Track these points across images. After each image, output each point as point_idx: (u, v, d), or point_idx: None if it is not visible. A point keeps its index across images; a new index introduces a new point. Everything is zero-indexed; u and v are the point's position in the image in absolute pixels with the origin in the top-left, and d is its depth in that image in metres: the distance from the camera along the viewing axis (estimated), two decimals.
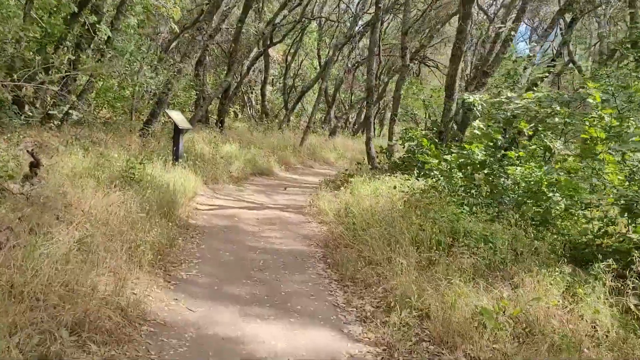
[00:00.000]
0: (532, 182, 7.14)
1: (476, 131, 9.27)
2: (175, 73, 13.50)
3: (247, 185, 11.81)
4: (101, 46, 11.83)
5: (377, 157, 12.43)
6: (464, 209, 6.47)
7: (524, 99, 8.76)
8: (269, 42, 20.11)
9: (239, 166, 12.57)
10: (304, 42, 31.69)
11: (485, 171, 7.24)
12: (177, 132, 10.41)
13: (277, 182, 12.95)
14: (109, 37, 11.87)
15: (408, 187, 8.38)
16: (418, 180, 9.02)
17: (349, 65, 29.28)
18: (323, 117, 31.75)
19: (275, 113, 31.20)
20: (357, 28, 24.63)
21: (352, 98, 33.55)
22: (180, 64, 13.67)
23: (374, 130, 40.42)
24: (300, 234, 7.71)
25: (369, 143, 12.27)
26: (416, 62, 27.73)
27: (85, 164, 7.78)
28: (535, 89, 9.81)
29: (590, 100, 7.84)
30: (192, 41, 14.15)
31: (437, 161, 7.96)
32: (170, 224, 6.88)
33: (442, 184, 7.82)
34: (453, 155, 8.21)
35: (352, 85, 32.89)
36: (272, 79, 34.29)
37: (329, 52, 31.76)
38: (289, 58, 29.69)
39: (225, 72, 19.51)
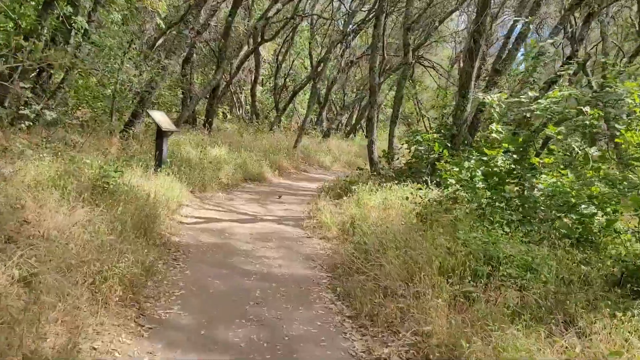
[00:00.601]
0: (567, 194, 6.20)
1: (494, 135, 8.34)
2: (159, 70, 12.43)
3: (238, 193, 10.76)
4: (76, 39, 10.72)
5: (380, 162, 11.45)
6: (497, 227, 5.50)
7: (549, 98, 7.83)
8: (260, 39, 19.06)
9: (228, 172, 11.51)
10: (295, 41, 30.75)
11: (515, 182, 6.29)
12: (160, 135, 9.34)
13: (271, 189, 11.91)
14: (85, 30, 10.78)
15: (421, 197, 7.40)
16: (431, 189, 8.05)
17: (342, 65, 28.29)
18: (315, 119, 30.73)
19: (265, 114, 30.17)
20: (350, 27, 23.72)
21: (345, 99, 32.63)
22: (165, 61, 12.60)
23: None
24: (301, 254, 6.68)
25: (372, 147, 11.28)
26: (412, 61, 26.84)
27: (53, 172, 6.70)
28: (556, 87, 8.89)
29: (629, 100, 6.96)
30: (178, 36, 13.08)
31: (457, 169, 7.00)
32: (149, 243, 5.84)
33: (465, 195, 6.84)
34: (473, 162, 7.25)
35: (344, 85, 31.96)
36: (262, 79, 33.26)
37: (321, 51, 30.90)
38: (280, 57, 28.68)
39: (214, 70, 18.43)
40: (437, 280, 4.62)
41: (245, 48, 22.37)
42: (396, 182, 9.10)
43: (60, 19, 10.28)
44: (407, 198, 7.47)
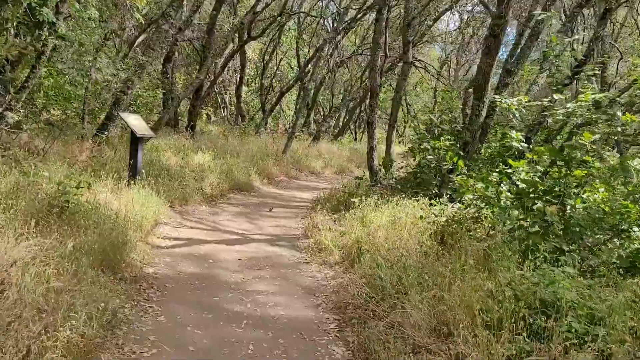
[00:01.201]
0: (618, 215, 5.25)
1: (514, 143, 7.37)
2: (136, 69, 11.28)
3: (223, 206, 9.67)
4: (41, 32, 9.54)
5: (380, 170, 10.43)
6: (542, 260, 4.50)
7: (580, 101, 6.88)
8: (246, 37, 17.95)
9: (213, 181, 10.41)
10: (282, 40, 29.73)
11: (555, 201, 5.31)
12: (135, 141, 8.21)
13: (260, 199, 10.83)
14: (52, 22, 9.61)
15: (436, 215, 6.40)
16: (445, 205, 7.04)
17: (332, 65, 27.30)
18: (302, 121, 29.70)
19: (251, 115, 29.09)
20: (342, 25, 22.71)
21: (334, 100, 31.66)
22: (143, 58, 11.46)
23: (356, 136, 38.55)
24: (301, 286, 5.62)
25: (372, 154, 10.25)
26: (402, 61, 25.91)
27: (2, 186, 5.57)
28: (583, 89, 7.96)
29: None
30: (158, 31, 11.94)
31: (483, 185, 5.99)
32: (116, 280, 4.75)
33: (489, 214, 5.85)
34: (497, 175, 6.25)
35: (332, 87, 30.99)
36: (248, 79, 32.16)
37: (309, 51, 29.87)
38: (267, 57, 27.61)
39: (197, 70, 17.27)
40: (482, 336, 3.61)
41: (231, 46, 21.26)
42: (402, 195, 8.09)
43: (25, 10, 9.13)
44: (421, 217, 6.46)
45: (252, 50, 32.32)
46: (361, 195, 8.31)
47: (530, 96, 9.09)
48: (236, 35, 20.08)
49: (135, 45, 21.94)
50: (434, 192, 8.15)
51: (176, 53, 18.31)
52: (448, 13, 24.81)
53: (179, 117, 18.11)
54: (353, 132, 37.99)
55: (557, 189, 5.29)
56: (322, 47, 25.06)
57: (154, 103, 16.28)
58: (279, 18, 21.03)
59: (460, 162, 7.41)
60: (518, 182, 6.00)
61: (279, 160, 14.52)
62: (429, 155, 8.73)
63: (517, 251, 4.80)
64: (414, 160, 10.35)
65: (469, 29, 25.48)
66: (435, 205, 7.04)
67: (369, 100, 11.50)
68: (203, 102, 19.01)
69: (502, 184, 6.37)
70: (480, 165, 7.84)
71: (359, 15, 22.33)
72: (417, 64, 27.82)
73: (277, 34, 25.94)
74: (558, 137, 11.46)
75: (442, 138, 8.60)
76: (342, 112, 29.68)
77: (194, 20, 18.00)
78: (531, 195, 5.33)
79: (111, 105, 11.24)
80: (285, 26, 28.29)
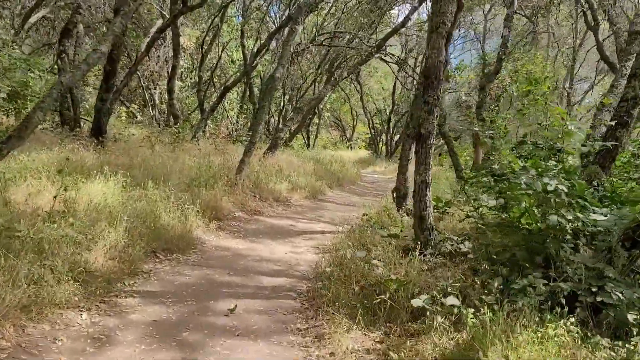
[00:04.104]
0: None
1: None
2: None
3: (128, 302, 4.67)
4: None
5: (431, 216, 5.74)
6: None
7: None
8: (182, 5, 12.79)
9: (116, 239, 5.41)
10: (222, 29, 24.75)
11: None
12: None
13: (205, 273, 5.85)
14: None
15: None
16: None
17: (292, 53, 22.49)
18: (249, 124, 24.75)
19: (186, 116, 23.80)
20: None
21: (285, 99, 26.90)
22: None
23: (309, 140, 33.75)
24: None
25: (424, 193, 5.44)
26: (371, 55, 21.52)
27: None
28: None
29: None
30: None
31: None
32: None
33: None
34: None
35: (284, 84, 26.09)
36: (182, 73, 26.79)
37: (258, 39, 24.91)
38: (205, 47, 22.54)
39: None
40: None
41: (160, 23, 16.02)
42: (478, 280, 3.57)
43: None
44: None
45: (188, 38, 26.99)
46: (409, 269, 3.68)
47: None
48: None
49: (28, 20, 16.51)
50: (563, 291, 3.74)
51: (79, 25, 12.90)
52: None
53: (79, 116, 12.69)
54: (305, 137, 33.30)
55: None
56: (277, 31, 20.33)
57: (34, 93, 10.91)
58: None
59: None
60: None
61: (231, 183, 9.56)
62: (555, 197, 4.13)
63: None
64: (470, 196, 5.82)
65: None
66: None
67: (420, 91, 6.87)
68: (119, 95, 13.66)
69: None
70: None
71: None
72: (387, 58, 23.67)
73: (219, 15, 20.93)
74: None
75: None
76: (298, 114, 24.88)
77: None
78: None
79: None
80: (229, 11, 23.40)
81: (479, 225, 5.35)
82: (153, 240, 6.02)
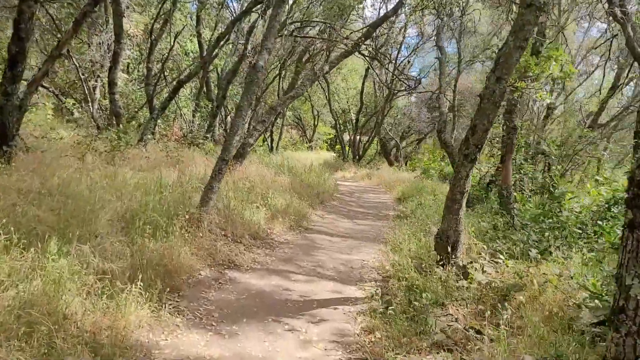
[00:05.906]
0: None
1: None
2: None
3: None
4: None
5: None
6: None
7: None
8: None
9: None
10: (174, 17, 21.46)
11: None
12: None
13: None
14: None
15: None
16: None
17: (249, 48, 19.51)
18: (205, 126, 21.60)
19: (132, 114, 20.32)
20: None
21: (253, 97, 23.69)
22: None
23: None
24: None
25: None
26: (362, 55, 18.74)
27: None
28: None
29: None
30: None
31: None
32: None
33: None
34: None
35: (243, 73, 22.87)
36: (128, 65, 23.22)
37: (215, 28, 21.67)
38: (155, 35, 19.27)
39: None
40: None
41: None
42: None
43: None
44: None
45: (136, 24, 23.36)
46: None
47: None
48: None
49: None
50: None
51: None
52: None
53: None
54: (267, 139, 30.17)
55: None
56: (240, 20, 17.28)
57: None
58: None
59: None
60: None
61: (193, 221, 6.51)
62: None
63: None
64: None
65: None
66: None
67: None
68: (36, 87, 10.23)
69: None
70: None
71: None
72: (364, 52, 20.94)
73: (170, 1, 17.71)
74: None
75: None
76: (270, 115, 21.76)
77: None
78: None
79: None
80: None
81: None
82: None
